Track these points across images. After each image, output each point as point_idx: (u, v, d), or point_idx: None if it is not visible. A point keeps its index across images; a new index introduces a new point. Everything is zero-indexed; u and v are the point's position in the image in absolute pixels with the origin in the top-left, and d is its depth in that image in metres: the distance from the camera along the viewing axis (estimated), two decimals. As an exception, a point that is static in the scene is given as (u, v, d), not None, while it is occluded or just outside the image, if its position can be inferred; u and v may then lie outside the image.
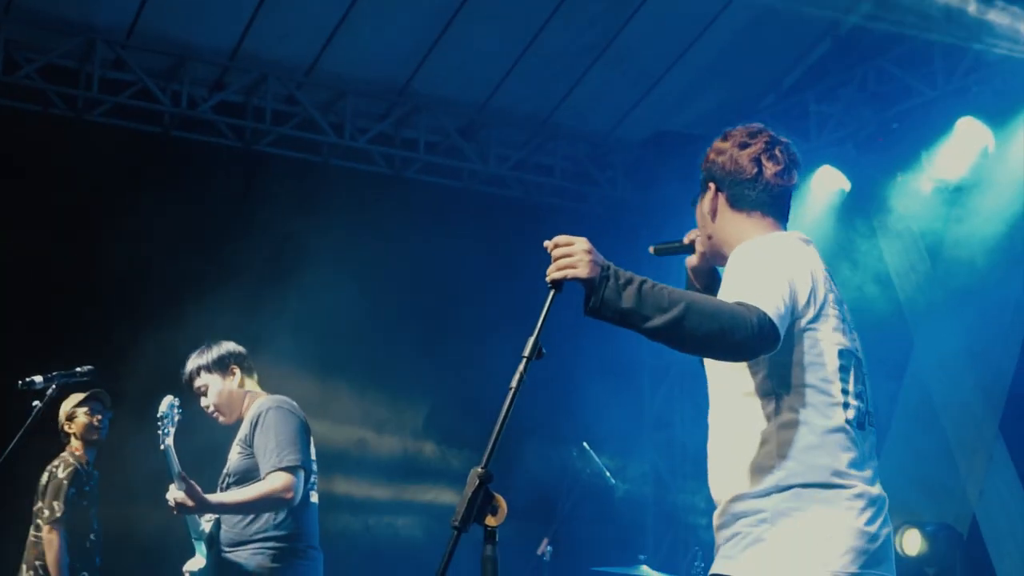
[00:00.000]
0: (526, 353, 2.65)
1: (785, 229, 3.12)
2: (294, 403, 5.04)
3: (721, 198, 3.11)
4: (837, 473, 2.82)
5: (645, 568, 6.74)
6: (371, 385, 8.87)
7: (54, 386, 5.01)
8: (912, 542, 7.46)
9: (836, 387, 2.87)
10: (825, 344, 2.88)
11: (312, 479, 4.95)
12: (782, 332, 2.74)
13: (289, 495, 4.70)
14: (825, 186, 8.60)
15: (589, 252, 2.70)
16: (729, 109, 9.06)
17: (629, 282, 2.68)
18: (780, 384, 2.86)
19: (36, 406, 5.00)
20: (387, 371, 8.81)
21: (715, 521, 2.98)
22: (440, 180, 9.38)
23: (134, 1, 7.80)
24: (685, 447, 9.65)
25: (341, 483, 8.55)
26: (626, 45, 8.68)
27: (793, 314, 2.83)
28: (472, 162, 9.26)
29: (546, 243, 2.77)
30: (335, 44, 8.35)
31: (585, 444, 7.42)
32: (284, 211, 8.53)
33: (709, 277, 3.22)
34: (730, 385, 2.94)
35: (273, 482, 4.70)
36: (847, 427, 2.86)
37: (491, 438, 2.58)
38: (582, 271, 2.67)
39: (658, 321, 2.64)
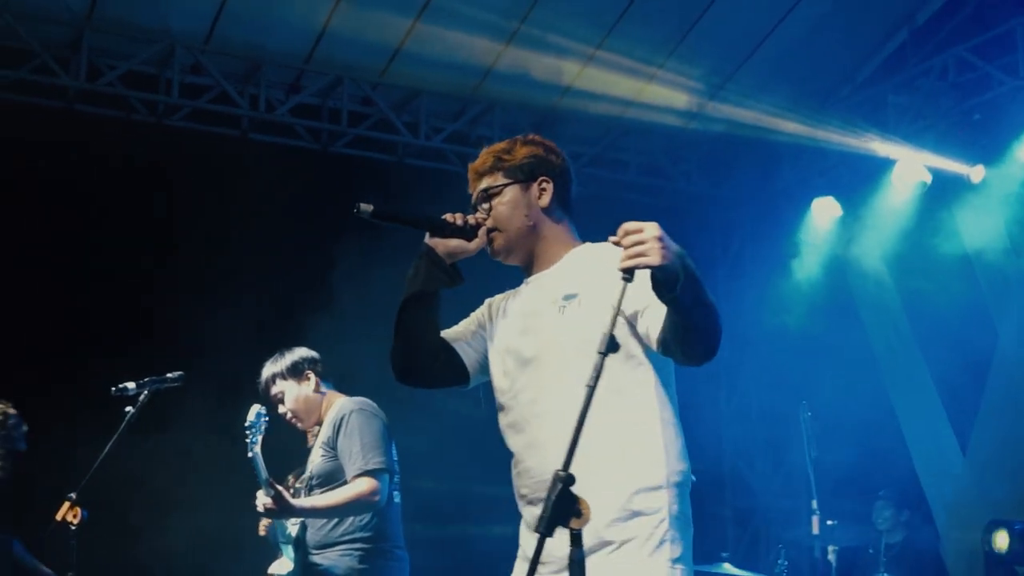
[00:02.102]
0: (601, 349, 2.56)
1: None
2: (374, 404, 5.08)
3: (556, 195, 3.21)
4: (690, 468, 3.02)
5: (727, 566, 6.70)
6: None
7: (146, 392, 5.08)
8: (1001, 540, 7.34)
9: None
10: None
11: (395, 479, 4.99)
12: None
13: (375, 499, 4.76)
14: (905, 179, 8.49)
15: (661, 239, 2.61)
16: (803, 101, 8.96)
17: (697, 269, 2.72)
18: (665, 383, 3.01)
19: (128, 411, 5.06)
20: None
21: (602, 514, 2.85)
22: (515, 177, 9.37)
23: (211, 7, 7.89)
24: (762, 442, 9.60)
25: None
26: (701, 37, 8.62)
27: None
28: (546, 159, 9.22)
29: (612, 237, 2.69)
30: (409, 44, 8.38)
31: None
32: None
33: (455, 270, 3.25)
34: (613, 375, 2.85)
35: (359, 486, 4.76)
36: None
37: (570, 438, 2.50)
38: (655, 259, 2.59)
39: (711, 308, 2.75)
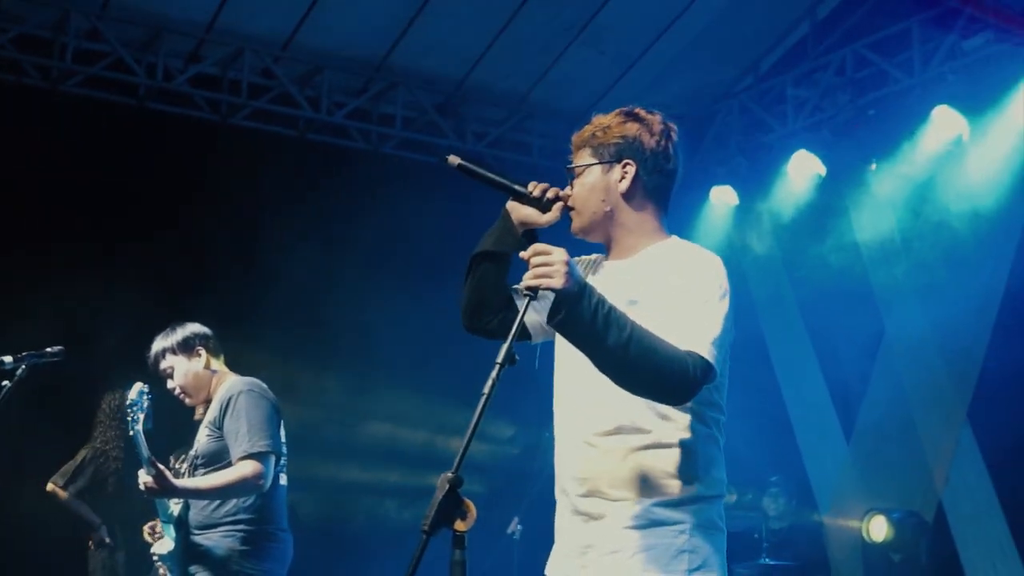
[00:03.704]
0: (499, 359, 2.62)
1: None
2: (264, 385, 5.02)
3: (640, 180, 3.07)
4: (724, 486, 3.03)
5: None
6: (345, 358, 8.84)
7: (23, 366, 4.95)
8: (878, 528, 7.55)
9: (724, 405, 3.04)
10: (728, 366, 3.01)
11: (282, 461, 4.95)
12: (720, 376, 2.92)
13: (260, 482, 4.71)
14: (800, 170, 8.63)
15: (566, 264, 2.71)
16: (706, 90, 9.05)
17: (600, 304, 2.73)
18: (705, 401, 2.97)
19: (5, 386, 4.94)
20: (357, 347, 8.79)
21: (612, 518, 2.93)
22: (417, 156, 9.34)
23: (110, -29, 7.73)
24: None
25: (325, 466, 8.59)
26: (605, 24, 8.64)
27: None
28: (449, 139, 9.21)
29: (522, 254, 2.79)
30: (313, 17, 8.28)
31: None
32: (258, 185, 8.49)
33: (530, 237, 3.13)
34: None
35: (243, 469, 4.70)
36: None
37: (463, 443, 2.55)
38: (557, 282, 2.69)
39: (612, 351, 2.72)
